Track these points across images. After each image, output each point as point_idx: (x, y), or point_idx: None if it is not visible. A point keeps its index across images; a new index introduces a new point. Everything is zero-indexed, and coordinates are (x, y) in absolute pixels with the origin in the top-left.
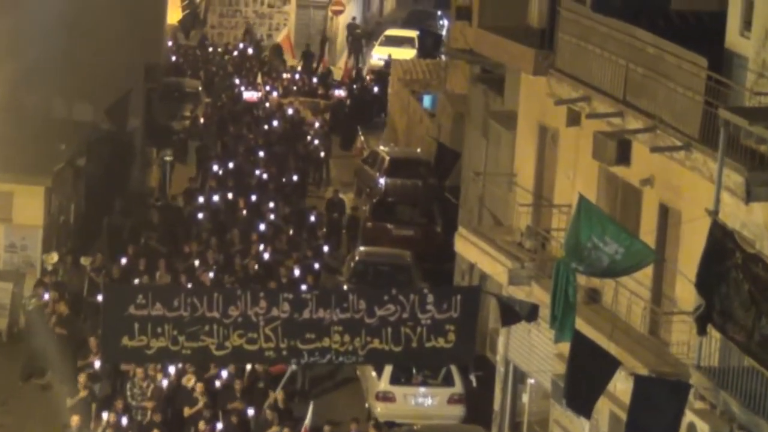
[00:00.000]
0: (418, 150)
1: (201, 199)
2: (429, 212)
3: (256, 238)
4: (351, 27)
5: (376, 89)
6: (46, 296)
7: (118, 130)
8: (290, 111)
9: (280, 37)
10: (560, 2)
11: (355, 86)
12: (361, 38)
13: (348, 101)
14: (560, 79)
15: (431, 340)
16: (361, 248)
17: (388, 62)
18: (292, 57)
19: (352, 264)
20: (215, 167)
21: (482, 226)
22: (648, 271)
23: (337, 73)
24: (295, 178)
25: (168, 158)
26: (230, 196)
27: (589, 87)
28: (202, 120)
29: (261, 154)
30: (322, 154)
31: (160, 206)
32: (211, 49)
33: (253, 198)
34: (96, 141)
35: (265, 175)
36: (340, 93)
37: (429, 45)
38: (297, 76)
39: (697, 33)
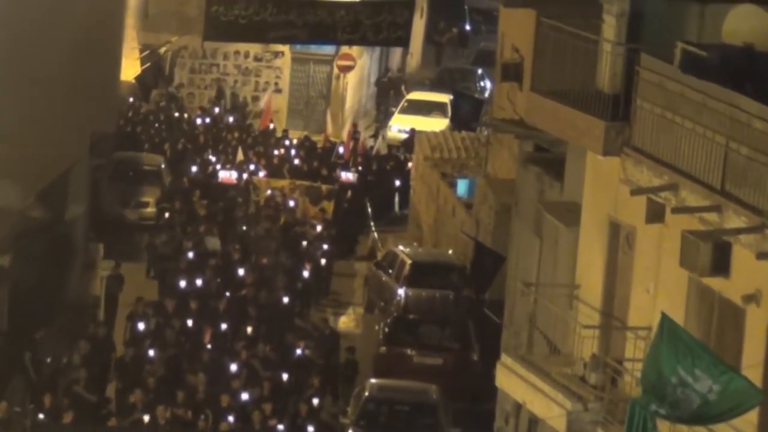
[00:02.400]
0: (450, 252)
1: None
2: (463, 334)
3: (225, 401)
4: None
5: (392, 170)
6: None
7: (54, 220)
8: (291, 203)
9: (262, 102)
10: (639, 60)
11: (363, 167)
12: (388, 89)
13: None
14: (638, 161)
15: None
16: (372, 381)
17: (411, 136)
18: (263, 123)
19: (360, 402)
20: (180, 282)
21: (533, 353)
22: (752, 416)
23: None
24: (285, 299)
25: (105, 272)
26: (191, 323)
27: (677, 172)
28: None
29: (240, 271)
30: (323, 261)
31: (92, 338)
32: (177, 115)
33: (223, 327)
34: (24, 234)
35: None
36: (347, 176)
37: (465, 113)
38: (293, 152)
39: None
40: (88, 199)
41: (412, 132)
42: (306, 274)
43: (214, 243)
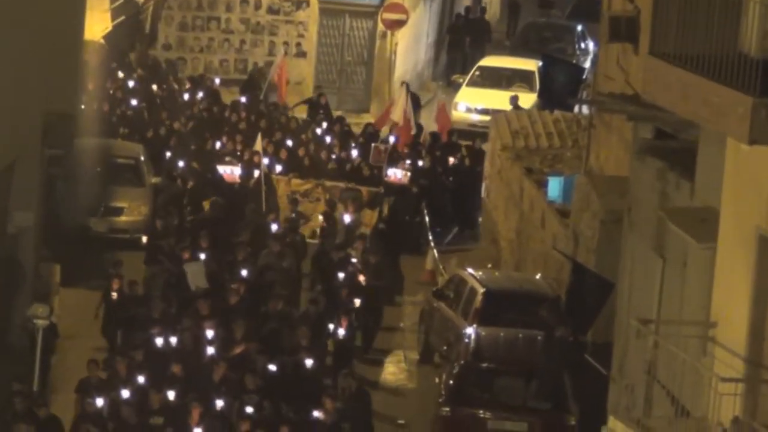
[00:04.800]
0: (538, 277)
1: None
2: (556, 390)
3: None
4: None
5: (461, 165)
6: None
7: None
8: (347, 218)
9: (273, 70)
10: None
11: (422, 160)
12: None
13: (412, 187)
14: None
15: None
16: None
17: (485, 116)
18: (281, 98)
19: None
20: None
21: (652, 416)
22: None
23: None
24: (309, 362)
25: (41, 322)
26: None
27: None
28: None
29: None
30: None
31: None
32: (165, 88)
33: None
34: None
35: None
36: (397, 174)
37: (559, 86)
38: (328, 139)
39: None
40: (39, 204)
41: (487, 111)
42: (342, 331)
43: (198, 275)
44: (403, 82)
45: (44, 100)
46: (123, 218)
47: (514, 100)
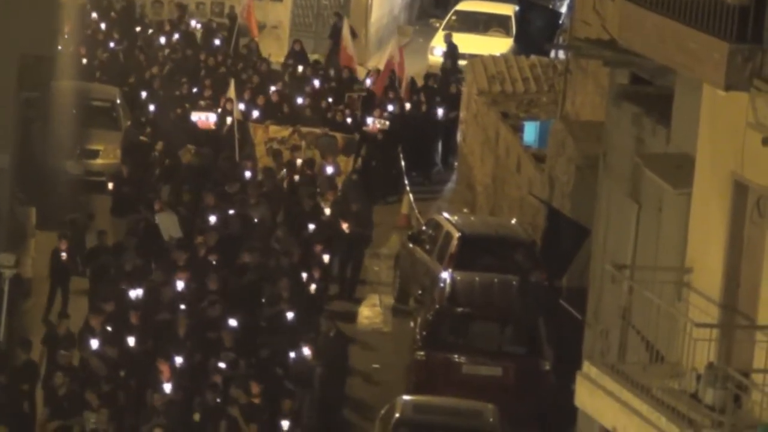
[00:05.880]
0: (513, 221)
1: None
2: (530, 335)
3: None
4: None
5: (440, 111)
6: None
7: None
8: (329, 169)
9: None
10: None
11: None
12: None
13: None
14: None
15: None
16: (405, 398)
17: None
18: (253, 35)
19: (389, 426)
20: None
21: (626, 362)
22: None
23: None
24: (290, 315)
25: (7, 272)
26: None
27: None
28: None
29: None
30: (345, 227)
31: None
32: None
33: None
34: None
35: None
36: (374, 123)
37: (536, 30)
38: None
39: None
40: (14, 147)
41: (462, 56)
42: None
43: (171, 225)
44: (336, 13)
45: (20, 43)
46: (99, 161)
47: (447, 37)
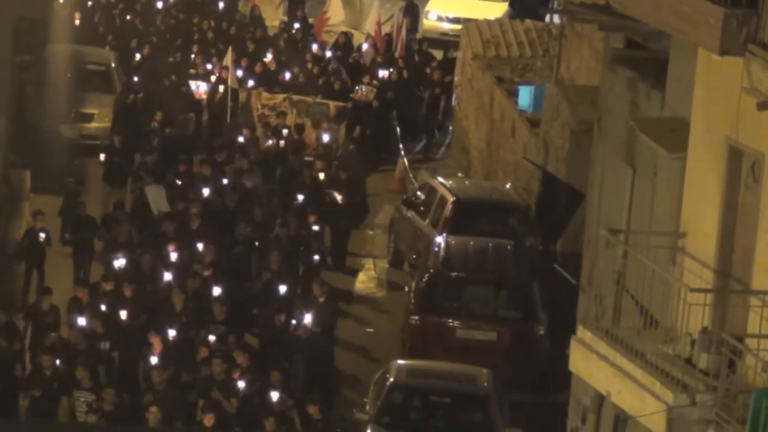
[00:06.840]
0: (508, 186)
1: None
2: (524, 299)
3: None
4: None
5: (434, 75)
6: None
7: None
8: (326, 137)
9: None
10: None
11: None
12: None
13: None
14: None
15: None
16: (399, 362)
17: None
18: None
19: (383, 391)
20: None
21: (621, 326)
22: None
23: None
24: (282, 288)
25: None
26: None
27: None
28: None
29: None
30: (338, 197)
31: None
32: None
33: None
34: None
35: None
36: (364, 92)
37: None
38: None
39: None
40: (9, 110)
41: (457, 20)
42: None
43: (158, 198)
44: None
45: (15, 5)
46: (93, 125)
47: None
